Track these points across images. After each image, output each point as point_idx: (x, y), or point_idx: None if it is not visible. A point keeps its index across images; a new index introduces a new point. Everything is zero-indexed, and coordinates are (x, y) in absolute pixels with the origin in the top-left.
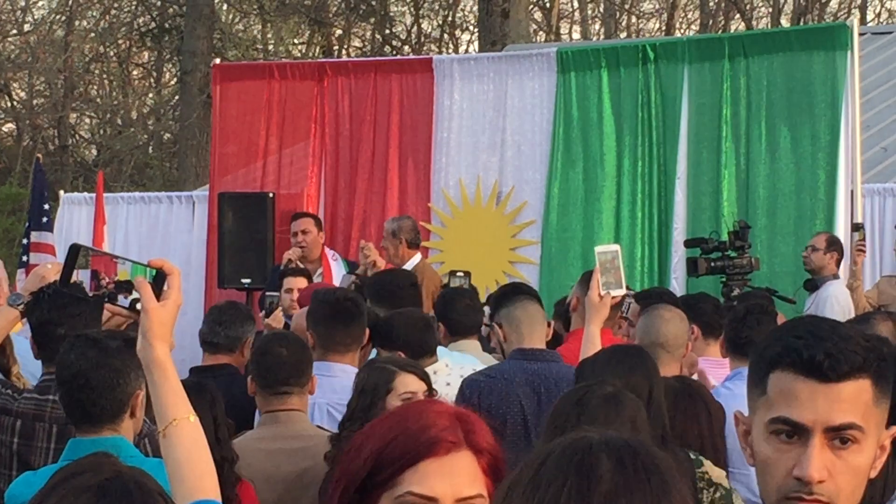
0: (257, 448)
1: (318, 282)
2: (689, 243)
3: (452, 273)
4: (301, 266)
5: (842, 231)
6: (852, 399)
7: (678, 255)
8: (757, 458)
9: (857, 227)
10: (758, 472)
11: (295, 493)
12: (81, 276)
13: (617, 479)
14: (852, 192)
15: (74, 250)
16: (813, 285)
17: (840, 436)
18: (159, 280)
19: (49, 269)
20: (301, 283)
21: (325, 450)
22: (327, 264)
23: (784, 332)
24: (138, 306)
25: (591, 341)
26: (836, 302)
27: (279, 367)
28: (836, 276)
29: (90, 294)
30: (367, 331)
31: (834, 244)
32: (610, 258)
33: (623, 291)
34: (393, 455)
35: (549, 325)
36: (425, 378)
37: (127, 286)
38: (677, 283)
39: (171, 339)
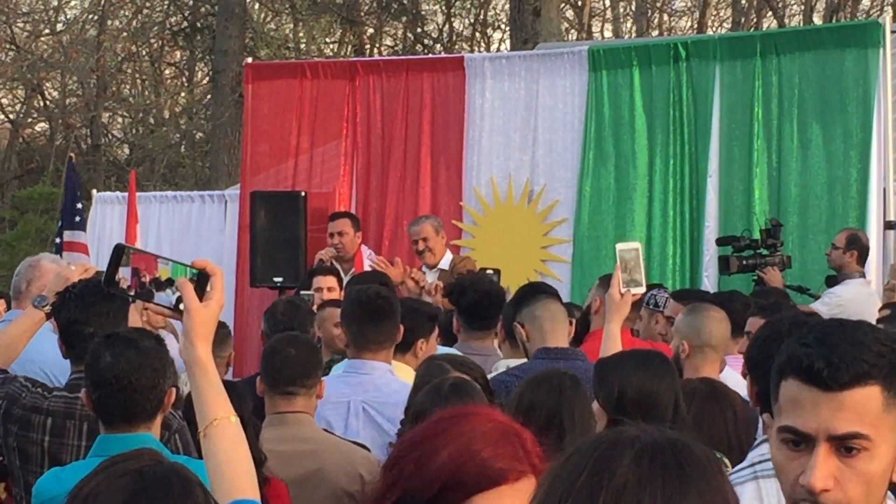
0: (264, 449)
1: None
2: (720, 241)
3: (482, 271)
4: (333, 265)
5: (874, 229)
6: (857, 407)
7: (710, 253)
8: (773, 462)
9: (890, 226)
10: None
11: (302, 496)
12: (122, 273)
13: (630, 474)
14: (885, 189)
15: (119, 250)
16: (833, 282)
17: (845, 444)
18: (202, 280)
19: (73, 270)
20: (330, 281)
21: (332, 453)
22: (360, 263)
23: (794, 339)
24: (182, 306)
25: (612, 339)
26: (835, 296)
27: (286, 368)
28: (861, 275)
29: (132, 292)
30: (401, 328)
31: (854, 242)
32: (631, 256)
33: (643, 289)
34: (466, 481)
35: (570, 323)
36: (480, 380)
37: (167, 283)
38: (709, 282)
39: (212, 339)
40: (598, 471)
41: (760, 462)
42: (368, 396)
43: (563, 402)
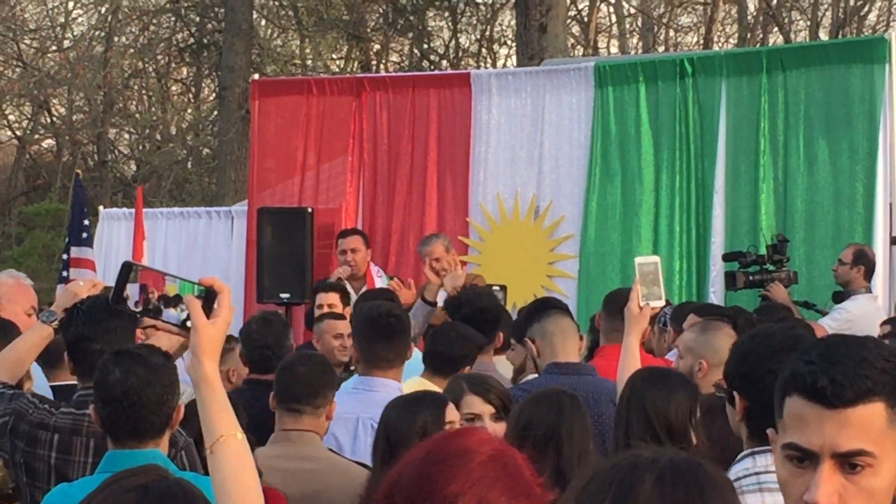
0: (268, 465)
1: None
2: (727, 257)
3: (489, 287)
4: (348, 284)
5: (880, 244)
6: (861, 424)
7: (716, 269)
8: (778, 479)
9: None
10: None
11: None
12: (129, 289)
13: (653, 495)
14: (891, 204)
15: (127, 267)
16: (840, 298)
17: (849, 461)
18: (210, 298)
19: (81, 286)
20: (332, 298)
21: (335, 474)
22: (371, 281)
23: (799, 356)
24: (189, 324)
25: (630, 352)
26: (845, 311)
27: (294, 385)
28: (868, 290)
29: (139, 308)
30: (413, 346)
31: (861, 258)
32: (650, 269)
33: (662, 303)
34: None
35: (581, 338)
36: (494, 402)
37: (175, 300)
38: (715, 297)
39: (219, 356)
40: (621, 493)
41: (766, 473)
42: (377, 413)
43: (562, 420)
